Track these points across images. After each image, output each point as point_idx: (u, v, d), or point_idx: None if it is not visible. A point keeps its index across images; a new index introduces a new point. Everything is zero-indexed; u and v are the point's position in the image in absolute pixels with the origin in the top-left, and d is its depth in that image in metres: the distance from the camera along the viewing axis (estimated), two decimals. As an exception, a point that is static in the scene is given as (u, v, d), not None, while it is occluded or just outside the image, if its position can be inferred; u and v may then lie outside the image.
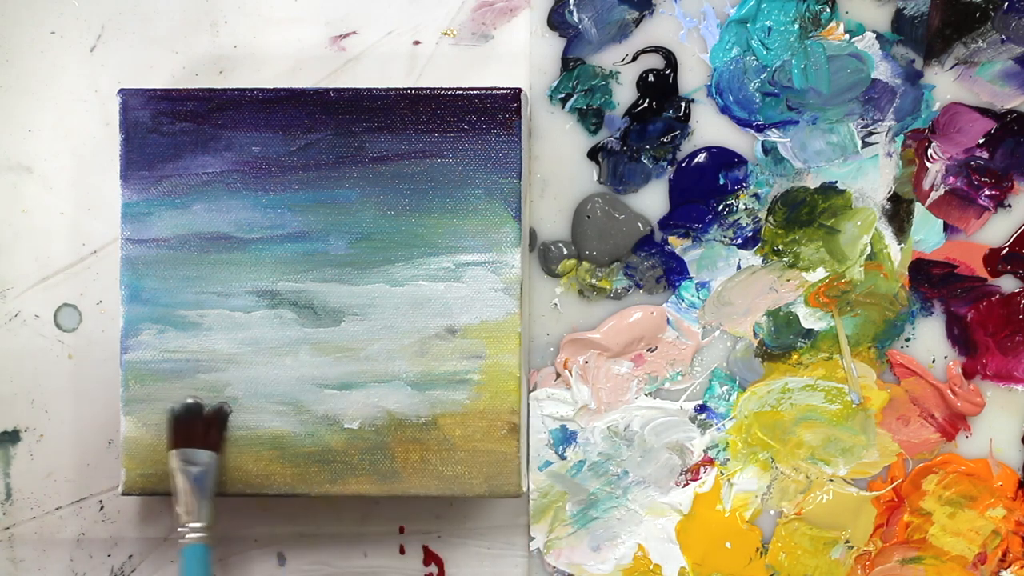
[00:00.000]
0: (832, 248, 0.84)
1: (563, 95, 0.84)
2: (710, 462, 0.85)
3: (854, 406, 0.84)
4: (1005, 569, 0.85)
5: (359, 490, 0.80)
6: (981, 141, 0.83)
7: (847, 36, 0.83)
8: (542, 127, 0.84)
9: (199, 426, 0.79)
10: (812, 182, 0.84)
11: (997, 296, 0.84)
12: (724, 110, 0.84)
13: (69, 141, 0.85)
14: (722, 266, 0.84)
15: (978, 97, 0.83)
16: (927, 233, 0.84)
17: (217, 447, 0.79)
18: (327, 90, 0.79)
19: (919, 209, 0.84)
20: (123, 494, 0.80)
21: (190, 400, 0.79)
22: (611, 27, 0.84)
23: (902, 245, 0.84)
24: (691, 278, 0.84)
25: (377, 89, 0.79)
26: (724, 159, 0.84)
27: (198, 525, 0.77)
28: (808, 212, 0.84)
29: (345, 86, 0.83)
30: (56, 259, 0.85)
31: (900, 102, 0.83)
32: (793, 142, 0.84)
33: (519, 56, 0.84)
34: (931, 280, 0.84)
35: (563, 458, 0.85)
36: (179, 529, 0.77)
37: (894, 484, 0.84)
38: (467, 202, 0.79)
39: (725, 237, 0.84)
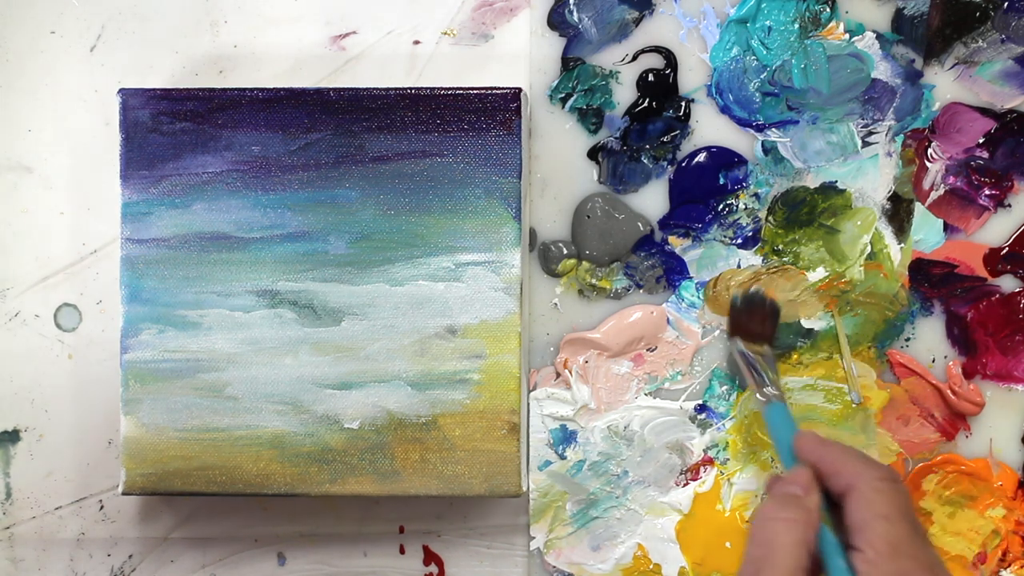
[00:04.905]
0: (832, 248, 0.84)
1: (563, 95, 0.84)
2: (710, 462, 0.85)
3: (854, 406, 0.84)
4: (1005, 569, 0.85)
5: (359, 490, 0.80)
6: (981, 141, 0.83)
7: (847, 36, 0.83)
8: (542, 127, 0.84)
9: (756, 318, 0.82)
10: (812, 182, 0.84)
11: (997, 296, 0.84)
12: (724, 110, 0.84)
13: (69, 141, 0.85)
14: (722, 266, 0.84)
15: (978, 97, 0.83)
16: (927, 233, 0.84)
17: (771, 339, 0.83)
18: (327, 90, 0.79)
19: (919, 209, 0.84)
20: (123, 494, 0.80)
21: (752, 291, 0.83)
22: (611, 27, 0.84)
23: (902, 245, 0.84)
24: (691, 278, 0.84)
25: (377, 89, 0.79)
26: (724, 159, 0.84)
27: (770, 391, 0.79)
28: (808, 212, 0.84)
29: (345, 86, 0.83)
30: (56, 259, 0.85)
31: (900, 102, 0.83)
32: (793, 142, 0.84)
33: (519, 56, 0.84)
34: (931, 280, 0.84)
35: (563, 458, 0.85)
36: (756, 396, 0.79)
37: (894, 484, 0.84)
38: (467, 202, 0.79)
39: (725, 237, 0.84)
